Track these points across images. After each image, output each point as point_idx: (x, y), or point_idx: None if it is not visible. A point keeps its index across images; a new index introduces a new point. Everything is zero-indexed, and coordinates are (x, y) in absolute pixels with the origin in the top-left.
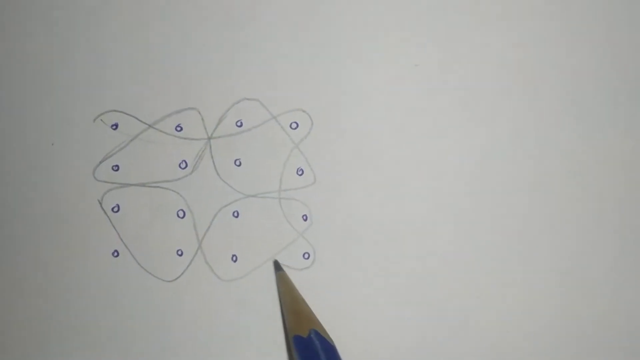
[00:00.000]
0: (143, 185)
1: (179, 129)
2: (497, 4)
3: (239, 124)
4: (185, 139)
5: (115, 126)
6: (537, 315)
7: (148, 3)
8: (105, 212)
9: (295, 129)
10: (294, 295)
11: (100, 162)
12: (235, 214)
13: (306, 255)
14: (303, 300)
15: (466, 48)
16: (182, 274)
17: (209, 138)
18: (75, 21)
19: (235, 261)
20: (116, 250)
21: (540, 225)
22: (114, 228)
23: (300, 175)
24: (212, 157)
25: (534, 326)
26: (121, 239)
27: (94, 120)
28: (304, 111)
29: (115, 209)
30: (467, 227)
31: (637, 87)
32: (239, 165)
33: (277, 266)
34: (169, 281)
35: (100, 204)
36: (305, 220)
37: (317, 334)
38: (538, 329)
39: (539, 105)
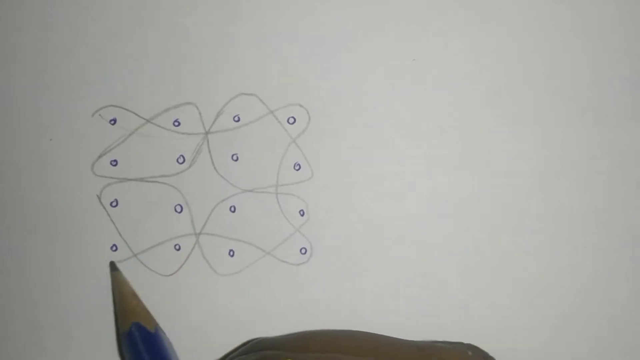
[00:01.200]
0: (141, 180)
1: (176, 123)
2: None
3: (236, 118)
4: (182, 133)
5: (113, 121)
6: (539, 316)
7: (145, 0)
8: (104, 207)
9: (292, 124)
10: (123, 293)
11: (99, 157)
12: (232, 209)
13: (303, 250)
14: (129, 295)
15: (465, 43)
16: (180, 268)
17: (207, 133)
18: (74, 16)
19: (232, 256)
20: (115, 244)
21: (541, 223)
22: (113, 222)
23: (298, 170)
24: (209, 151)
25: (535, 327)
26: (119, 233)
27: (93, 115)
28: (301, 106)
29: (114, 204)
30: (466, 222)
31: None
32: (236, 160)
33: (113, 267)
34: (167, 275)
35: (99, 198)
36: (302, 215)
37: (138, 325)
38: (539, 329)
39: (539, 100)
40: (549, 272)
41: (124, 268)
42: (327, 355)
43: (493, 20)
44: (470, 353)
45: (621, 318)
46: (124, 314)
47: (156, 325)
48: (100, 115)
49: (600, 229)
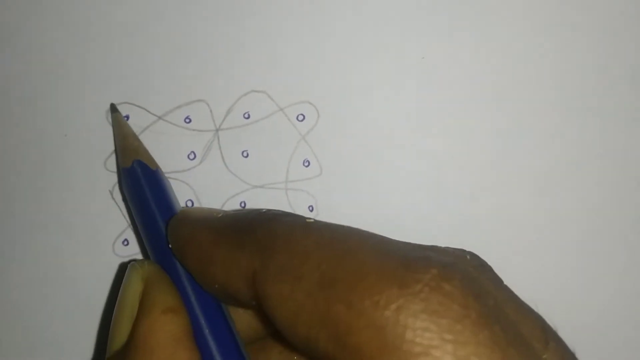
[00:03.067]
0: None
1: (187, 120)
2: None
3: (246, 115)
4: (193, 130)
5: (126, 118)
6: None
7: None
8: (116, 202)
9: (302, 121)
10: (123, 133)
11: (112, 153)
12: (243, 205)
13: None
14: (131, 136)
15: (474, 40)
16: None
17: (217, 130)
18: (87, 15)
19: None
20: (126, 239)
21: (547, 222)
22: (124, 218)
23: (307, 166)
24: (220, 148)
25: None
26: (131, 229)
27: (106, 112)
28: (310, 103)
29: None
30: (473, 220)
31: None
32: (247, 156)
33: (113, 108)
34: None
35: (111, 194)
36: (312, 210)
37: (140, 162)
38: None
39: (546, 99)
40: (552, 272)
41: None
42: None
43: (502, 19)
44: (468, 257)
45: (622, 325)
46: (125, 151)
47: (157, 166)
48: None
49: (606, 231)
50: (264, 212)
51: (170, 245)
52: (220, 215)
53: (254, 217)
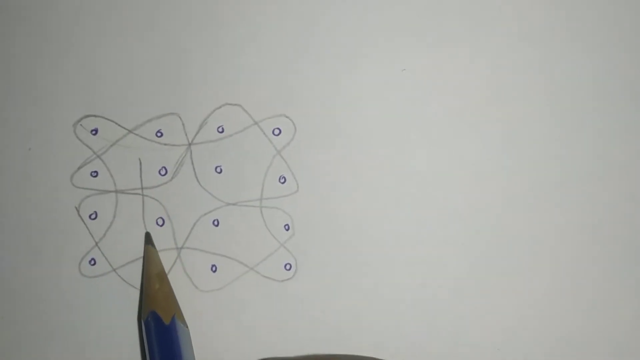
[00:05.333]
0: (122, 192)
1: (159, 134)
2: (488, 7)
3: (220, 129)
4: (165, 144)
5: (95, 131)
6: (536, 336)
7: (129, 8)
8: (82, 219)
9: (277, 135)
10: (148, 274)
11: (79, 168)
12: (216, 223)
13: (288, 266)
14: (153, 277)
15: (455, 52)
16: None
17: (190, 144)
18: (56, 25)
19: (214, 271)
20: (93, 259)
21: (539, 234)
22: (92, 236)
23: (283, 183)
24: (192, 163)
25: (534, 340)
26: (98, 247)
27: (74, 125)
28: (287, 117)
29: (93, 216)
30: (456, 235)
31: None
32: (220, 172)
33: (148, 239)
34: None
35: (78, 210)
36: (287, 230)
37: (154, 315)
38: (539, 342)
39: (531, 110)
40: (548, 285)
41: (101, 283)
42: None
43: (484, 30)
44: None
45: (624, 338)
46: (145, 298)
47: (173, 314)
48: (81, 125)
49: (601, 241)
50: None
51: None
52: None
53: None
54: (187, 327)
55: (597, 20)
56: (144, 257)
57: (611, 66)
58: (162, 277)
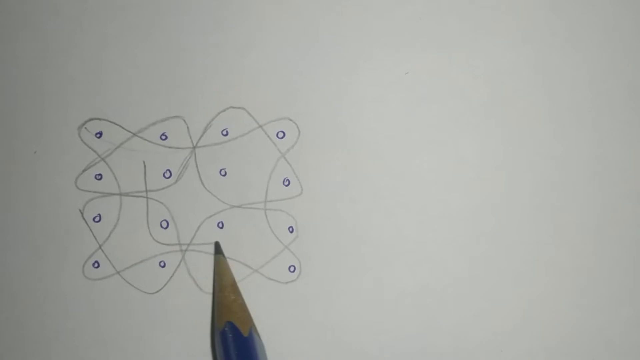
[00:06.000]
0: (126, 194)
1: (163, 137)
2: (489, 11)
3: (224, 132)
4: (170, 147)
5: (99, 134)
6: (535, 337)
7: (133, 11)
8: (86, 222)
9: (282, 138)
10: (222, 284)
11: (83, 171)
12: (220, 225)
13: (292, 268)
14: (228, 287)
15: (458, 56)
16: (165, 285)
17: (194, 147)
18: (61, 29)
19: None
20: (97, 261)
21: (533, 240)
22: (95, 238)
23: (287, 185)
24: (197, 166)
25: (536, 340)
26: (102, 250)
27: (78, 128)
28: (291, 120)
29: (97, 219)
30: (458, 237)
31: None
32: (224, 175)
33: (217, 249)
34: (151, 293)
35: (82, 213)
36: (292, 232)
37: (232, 326)
38: (537, 348)
39: (532, 112)
40: (549, 285)
41: (105, 286)
42: None
43: (486, 33)
44: None
45: (624, 338)
46: (220, 308)
47: (250, 327)
48: (86, 128)
49: (602, 241)
50: None
51: None
52: None
53: None
54: (261, 339)
55: (596, 22)
56: (215, 267)
57: (610, 67)
58: (236, 288)
